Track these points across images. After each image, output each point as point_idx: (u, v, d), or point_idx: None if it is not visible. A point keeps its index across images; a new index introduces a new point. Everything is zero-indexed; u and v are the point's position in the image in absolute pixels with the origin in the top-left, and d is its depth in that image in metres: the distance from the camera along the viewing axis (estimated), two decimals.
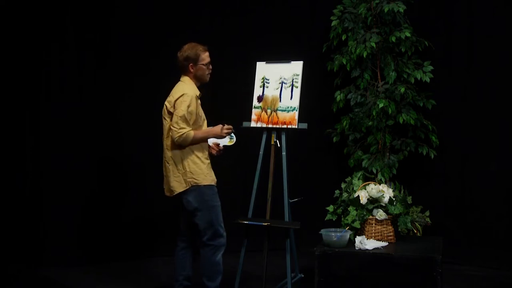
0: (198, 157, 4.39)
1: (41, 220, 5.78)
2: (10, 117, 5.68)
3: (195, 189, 4.36)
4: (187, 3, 6.24)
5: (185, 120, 4.29)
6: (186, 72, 4.46)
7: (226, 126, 4.44)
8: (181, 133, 4.27)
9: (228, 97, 6.16)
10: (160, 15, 6.17)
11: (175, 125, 4.29)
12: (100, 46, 5.99)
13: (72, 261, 5.79)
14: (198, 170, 4.37)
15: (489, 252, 5.78)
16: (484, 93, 5.87)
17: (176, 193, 4.40)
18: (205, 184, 4.39)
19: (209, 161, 4.48)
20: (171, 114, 4.36)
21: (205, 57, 4.45)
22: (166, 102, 4.43)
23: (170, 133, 4.35)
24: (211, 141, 4.55)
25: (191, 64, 4.41)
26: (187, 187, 4.37)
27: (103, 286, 5.26)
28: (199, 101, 4.42)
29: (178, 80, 4.51)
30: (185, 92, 4.33)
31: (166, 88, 4.52)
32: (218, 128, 4.45)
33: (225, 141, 4.58)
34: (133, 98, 6.10)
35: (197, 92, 4.43)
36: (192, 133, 4.31)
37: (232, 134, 4.54)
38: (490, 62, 5.83)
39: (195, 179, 4.36)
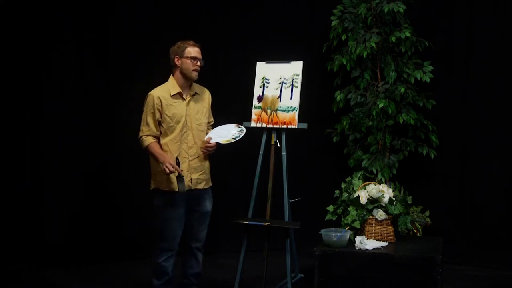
0: None
1: (41, 220, 5.78)
2: (10, 117, 5.68)
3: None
4: (187, 3, 6.23)
5: (144, 123, 4.32)
6: (174, 68, 4.38)
7: (170, 167, 4.12)
8: (139, 136, 4.32)
9: (228, 97, 6.16)
10: (160, 15, 6.16)
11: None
12: (100, 46, 5.99)
13: (72, 261, 5.79)
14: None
15: (489, 252, 5.78)
16: (484, 93, 5.87)
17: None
18: None
19: None
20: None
21: (192, 51, 4.34)
22: None
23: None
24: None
25: (176, 57, 4.34)
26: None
27: (103, 286, 5.26)
28: (173, 101, 4.31)
29: None
30: (149, 93, 4.32)
31: None
32: (166, 161, 4.17)
33: (221, 139, 4.42)
34: (133, 98, 6.08)
35: (170, 92, 4.32)
36: (149, 142, 4.28)
37: (239, 134, 4.45)
38: (490, 62, 5.82)
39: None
